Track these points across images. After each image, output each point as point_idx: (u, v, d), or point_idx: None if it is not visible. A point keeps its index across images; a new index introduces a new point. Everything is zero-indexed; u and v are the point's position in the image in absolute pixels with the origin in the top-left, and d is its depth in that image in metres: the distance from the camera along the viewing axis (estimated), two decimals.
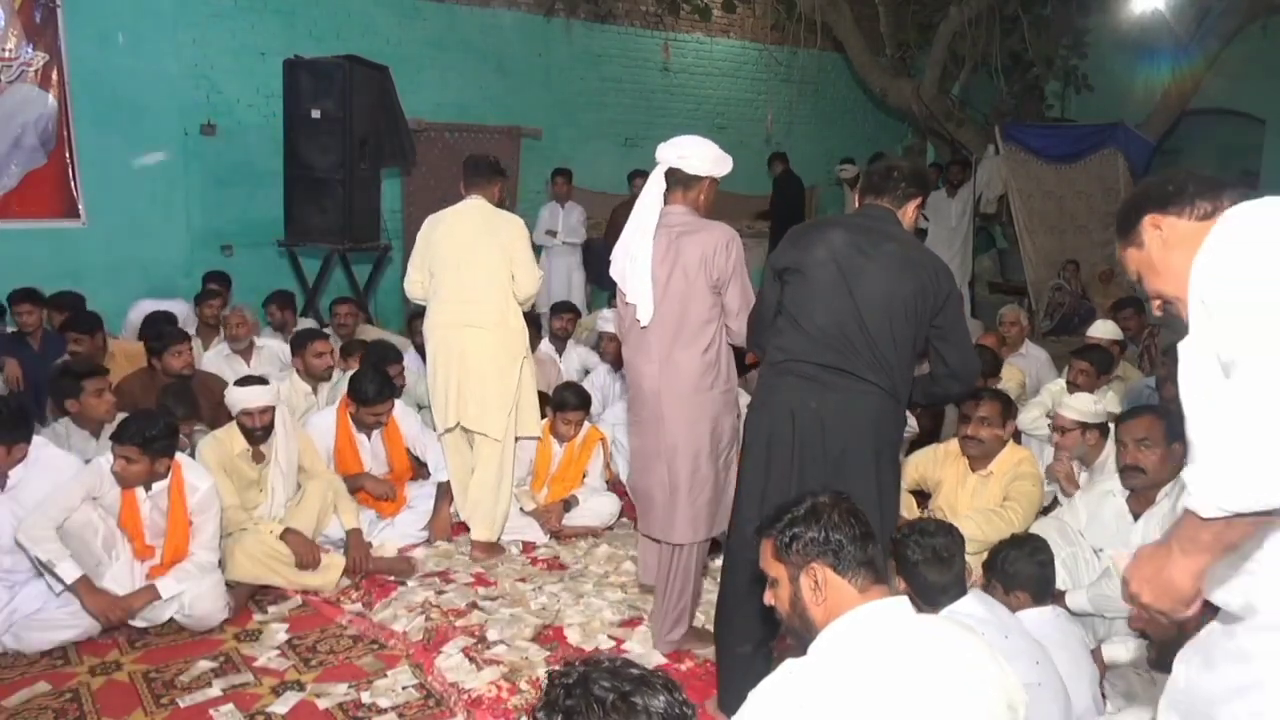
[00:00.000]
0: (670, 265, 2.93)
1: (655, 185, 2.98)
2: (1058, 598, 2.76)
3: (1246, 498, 1.25)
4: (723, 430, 3.03)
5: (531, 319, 5.02)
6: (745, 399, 4.58)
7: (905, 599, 1.74)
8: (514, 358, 3.96)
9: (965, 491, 3.63)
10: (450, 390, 3.96)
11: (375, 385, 4.10)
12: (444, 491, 4.25)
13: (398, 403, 4.36)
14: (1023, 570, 2.53)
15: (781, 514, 1.83)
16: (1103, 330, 4.95)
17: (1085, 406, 3.66)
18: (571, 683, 1.31)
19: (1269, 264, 1.31)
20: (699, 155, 2.97)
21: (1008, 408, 3.64)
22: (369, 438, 4.24)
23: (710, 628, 3.17)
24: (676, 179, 2.99)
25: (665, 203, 2.99)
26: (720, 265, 2.90)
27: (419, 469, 4.47)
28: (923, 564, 2.31)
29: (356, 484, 4.13)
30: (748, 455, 2.74)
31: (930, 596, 2.30)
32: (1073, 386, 4.27)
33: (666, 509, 3.07)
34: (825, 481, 2.44)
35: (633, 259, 2.96)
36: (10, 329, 5.17)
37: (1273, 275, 1.29)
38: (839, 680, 1.59)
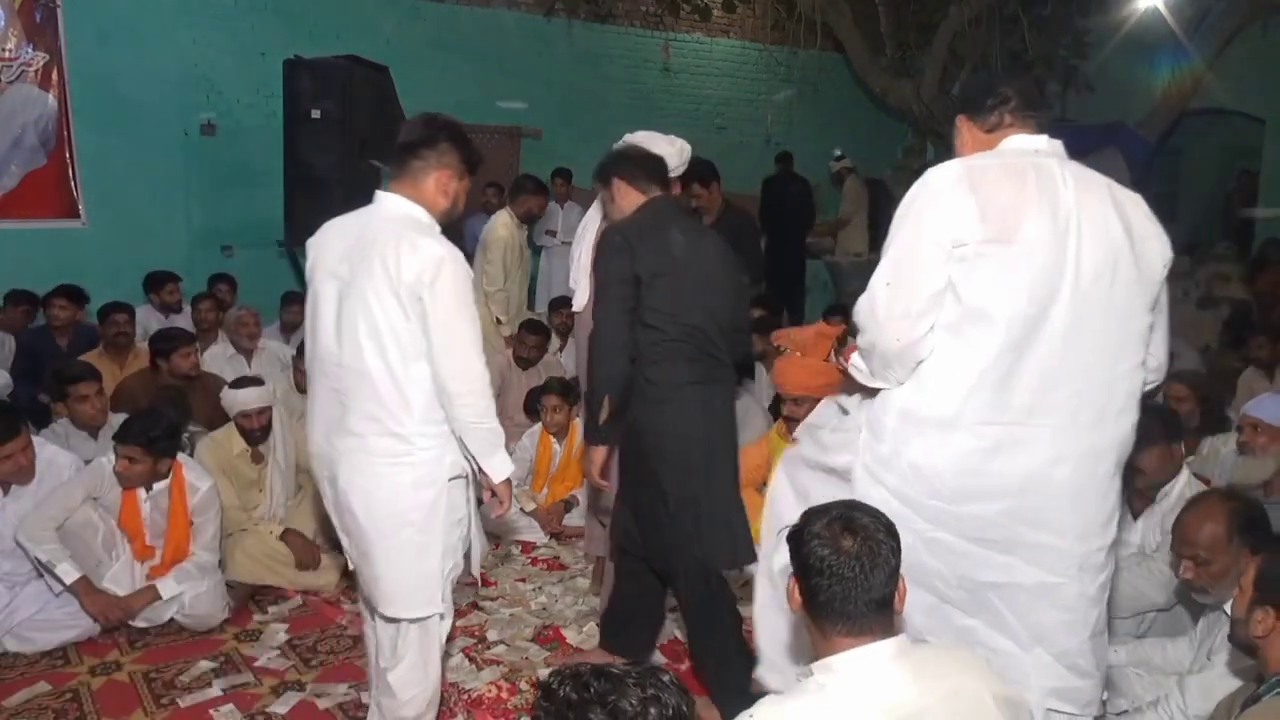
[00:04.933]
0: (594, 256, 2.99)
1: None
2: None
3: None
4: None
5: (539, 326, 5.30)
6: (746, 399, 4.61)
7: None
8: None
9: None
10: None
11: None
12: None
13: None
14: None
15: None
16: None
17: None
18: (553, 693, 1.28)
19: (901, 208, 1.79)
20: (612, 154, 2.90)
21: None
22: None
23: None
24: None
25: None
26: None
27: None
28: None
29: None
30: None
31: None
32: None
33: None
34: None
35: (580, 246, 3.09)
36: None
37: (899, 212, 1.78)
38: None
